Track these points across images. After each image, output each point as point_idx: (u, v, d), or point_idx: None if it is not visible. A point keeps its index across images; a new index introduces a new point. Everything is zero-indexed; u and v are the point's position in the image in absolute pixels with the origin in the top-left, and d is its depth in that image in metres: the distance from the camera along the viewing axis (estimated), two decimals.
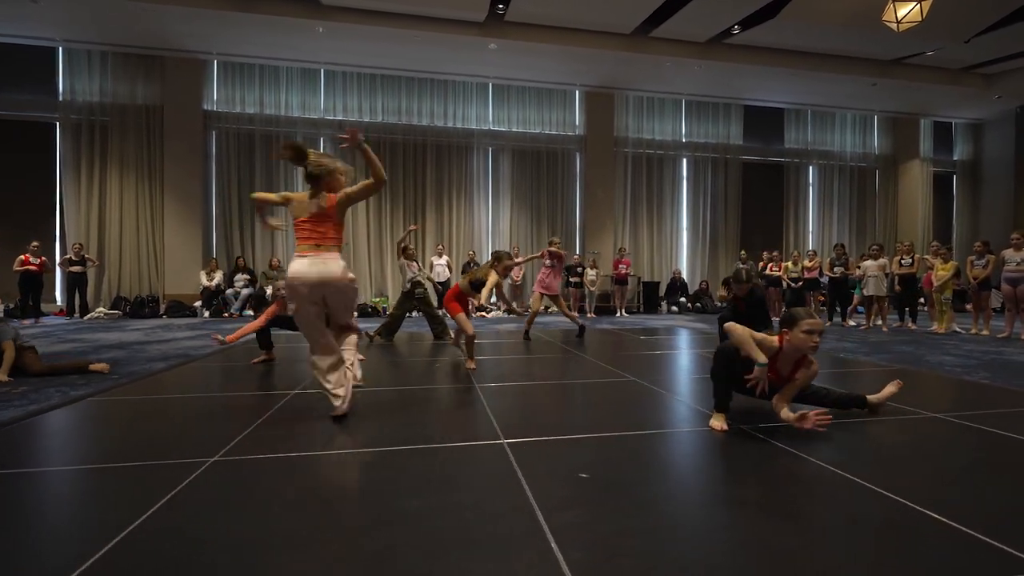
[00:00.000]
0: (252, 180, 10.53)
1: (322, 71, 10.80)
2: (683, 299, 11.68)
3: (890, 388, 2.75)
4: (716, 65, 10.37)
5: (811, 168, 13.37)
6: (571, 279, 10.58)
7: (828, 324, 8.63)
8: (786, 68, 10.60)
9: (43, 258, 8.53)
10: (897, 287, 8.51)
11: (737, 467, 1.97)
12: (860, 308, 8.97)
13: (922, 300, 9.57)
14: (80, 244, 9.23)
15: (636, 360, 4.49)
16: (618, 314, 10.63)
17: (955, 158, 14.37)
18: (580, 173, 11.99)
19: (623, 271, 10.68)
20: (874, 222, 13.70)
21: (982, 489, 1.74)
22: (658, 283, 11.80)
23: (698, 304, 11.64)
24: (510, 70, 10.75)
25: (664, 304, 11.71)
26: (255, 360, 4.22)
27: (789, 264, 9.39)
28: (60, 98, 9.83)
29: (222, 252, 10.54)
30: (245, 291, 9.83)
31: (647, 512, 1.55)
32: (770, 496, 1.69)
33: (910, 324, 8.14)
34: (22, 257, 8.34)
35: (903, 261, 8.20)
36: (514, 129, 11.52)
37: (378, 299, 10.61)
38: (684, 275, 12.50)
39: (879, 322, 7.98)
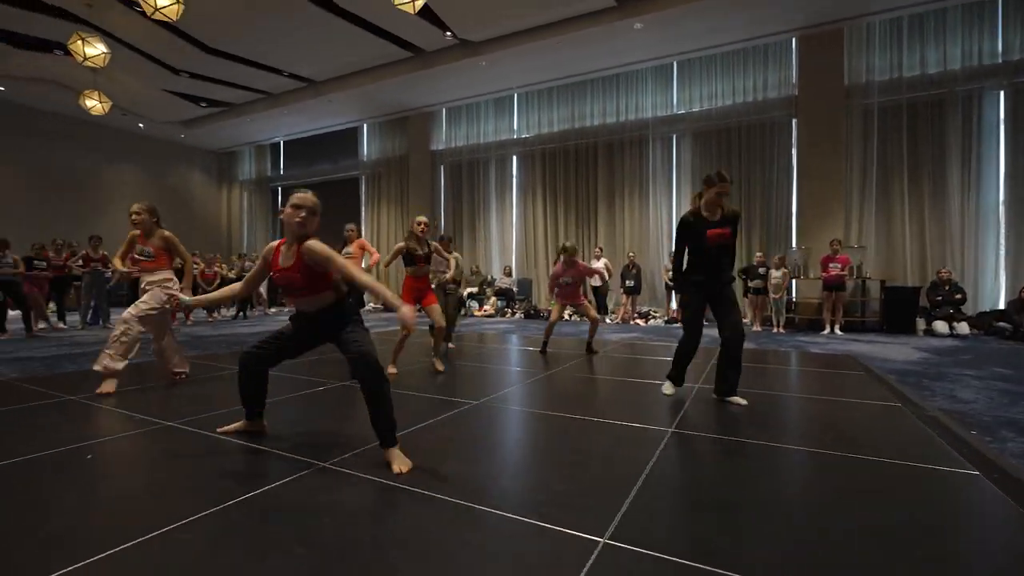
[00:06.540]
0: (461, 203, 12.57)
1: (514, 96, 11.91)
2: (952, 311, 7.44)
3: None
4: None
5: None
6: (749, 283, 8.29)
7: None
8: None
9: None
10: None
11: None
12: None
13: None
14: None
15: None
16: (827, 330, 7.68)
17: None
18: (794, 144, 9.16)
19: (835, 271, 7.65)
20: None
21: None
22: (918, 289, 7.81)
23: (1009, 323, 7.16)
24: (683, 43, 9.26)
25: (925, 320, 7.67)
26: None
27: None
28: (363, 159, 14.25)
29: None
30: None
31: None
32: None
33: None
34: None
35: None
36: (695, 109, 9.80)
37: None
38: (996, 276, 7.93)
39: None
